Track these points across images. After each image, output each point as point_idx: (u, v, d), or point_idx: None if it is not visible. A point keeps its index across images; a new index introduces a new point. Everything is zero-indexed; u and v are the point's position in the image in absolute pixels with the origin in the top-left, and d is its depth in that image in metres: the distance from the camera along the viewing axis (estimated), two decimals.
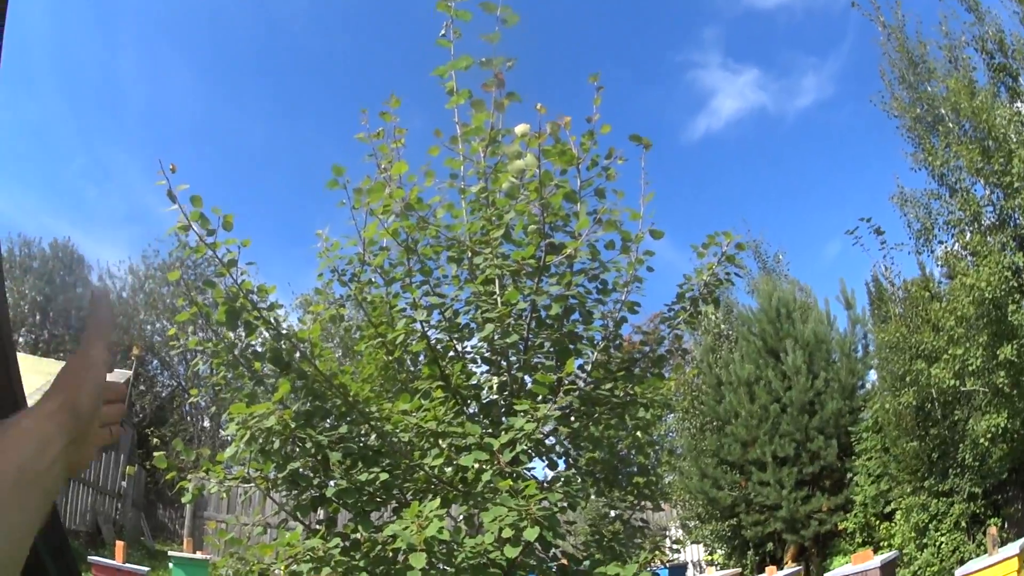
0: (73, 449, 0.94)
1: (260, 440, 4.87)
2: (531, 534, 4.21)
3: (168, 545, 17.04)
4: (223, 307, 4.98)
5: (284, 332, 5.01)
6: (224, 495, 5.56)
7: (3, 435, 0.86)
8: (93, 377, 0.99)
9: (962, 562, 11.22)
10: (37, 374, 18.04)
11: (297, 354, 5.01)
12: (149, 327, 31.29)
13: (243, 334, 5.23)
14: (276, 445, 4.84)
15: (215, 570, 14.78)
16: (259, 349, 5.20)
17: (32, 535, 0.84)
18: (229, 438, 5.30)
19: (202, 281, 5.31)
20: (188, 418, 26.78)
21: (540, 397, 4.72)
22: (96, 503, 17.27)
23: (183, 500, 5.69)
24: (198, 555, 14.51)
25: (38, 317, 33.03)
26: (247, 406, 4.83)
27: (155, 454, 5.33)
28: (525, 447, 4.45)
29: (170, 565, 14.16)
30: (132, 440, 21.70)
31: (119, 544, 12.18)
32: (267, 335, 5.09)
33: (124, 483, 17.52)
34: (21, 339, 30.96)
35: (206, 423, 22.15)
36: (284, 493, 5.27)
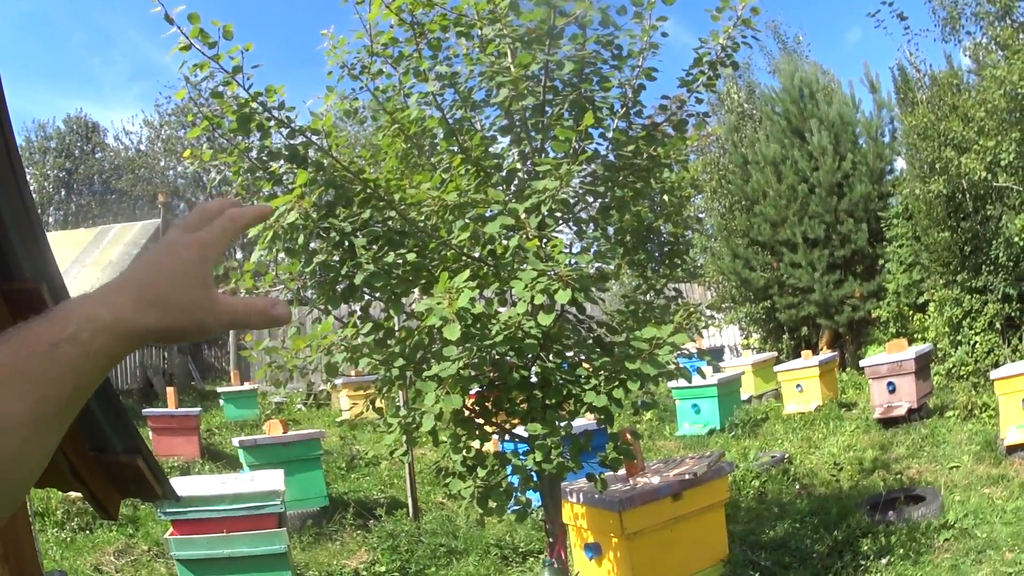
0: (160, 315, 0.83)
1: (284, 238, 4.83)
2: (563, 296, 4.16)
3: (217, 383, 17.45)
4: (234, 114, 4.88)
5: (297, 128, 4.90)
6: None
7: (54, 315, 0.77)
8: (170, 252, 0.86)
9: (996, 365, 11.04)
10: (70, 247, 18.16)
11: (313, 148, 4.92)
12: (171, 172, 31.73)
13: (257, 138, 5.13)
14: (301, 240, 4.79)
15: (263, 398, 15.26)
16: (274, 151, 5.11)
17: (40, 420, 0.74)
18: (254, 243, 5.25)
19: (209, 93, 5.16)
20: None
21: (562, 155, 4.60)
22: (144, 357, 17.65)
23: None
24: (245, 386, 14.89)
25: (63, 192, 33.51)
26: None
27: None
28: (551, 207, 4.36)
29: (220, 402, 14.59)
30: None
31: (170, 391, 12.41)
32: (281, 135, 4.99)
33: None
34: (50, 218, 31.60)
35: (238, 254, 22.45)
36: (313, 291, 5.24)
